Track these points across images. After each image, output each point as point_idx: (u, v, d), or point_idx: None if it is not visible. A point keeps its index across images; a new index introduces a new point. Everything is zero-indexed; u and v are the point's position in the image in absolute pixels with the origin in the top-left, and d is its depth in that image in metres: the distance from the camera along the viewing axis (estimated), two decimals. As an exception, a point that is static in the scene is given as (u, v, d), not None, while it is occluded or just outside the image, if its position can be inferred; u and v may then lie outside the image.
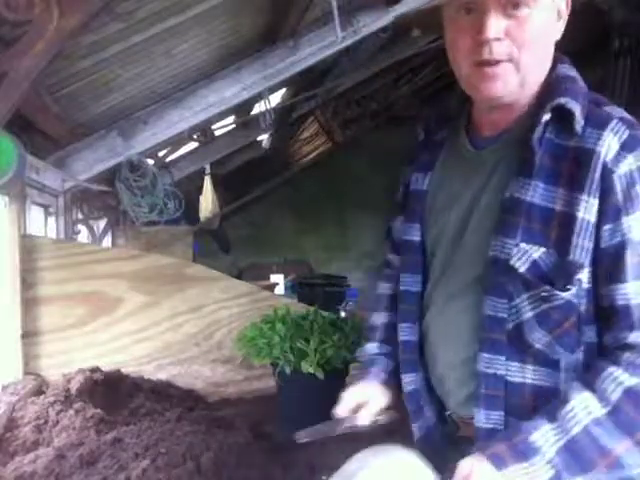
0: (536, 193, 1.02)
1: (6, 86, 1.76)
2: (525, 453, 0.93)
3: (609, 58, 5.21)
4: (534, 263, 1.00)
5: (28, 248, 2.01)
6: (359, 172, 7.68)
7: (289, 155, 7.44)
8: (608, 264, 0.98)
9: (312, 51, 3.20)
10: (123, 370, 1.99)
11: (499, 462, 0.93)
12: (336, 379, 1.75)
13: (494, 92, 1.05)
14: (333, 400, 1.66)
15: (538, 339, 1.01)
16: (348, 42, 3.23)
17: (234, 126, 4.88)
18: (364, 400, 1.19)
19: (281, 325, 1.74)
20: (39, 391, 1.81)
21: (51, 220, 2.87)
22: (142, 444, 1.37)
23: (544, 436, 0.94)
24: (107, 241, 4.03)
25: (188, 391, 2.02)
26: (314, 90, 4.77)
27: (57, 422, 1.56)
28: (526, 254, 1.01)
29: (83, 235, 3.48)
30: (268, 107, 3.94)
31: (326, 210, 7.93)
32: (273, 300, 2.20)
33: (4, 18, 1.63)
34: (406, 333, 1.22)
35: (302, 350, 1.68)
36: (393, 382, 1.23)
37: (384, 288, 1.36)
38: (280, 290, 6.33)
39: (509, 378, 1.02)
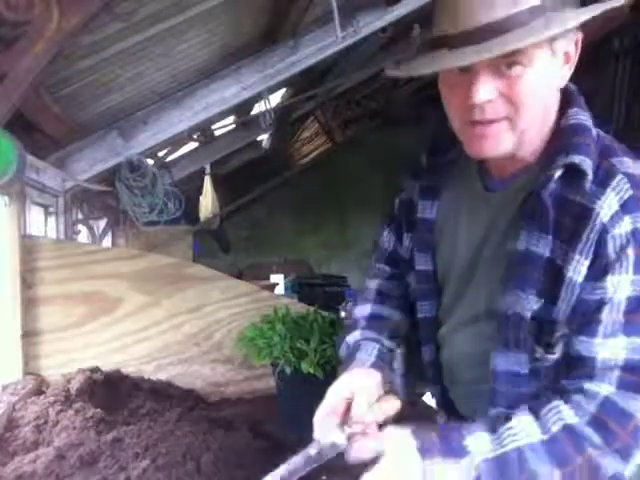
0: (544, 247, 1.00)
1: (6, 86, 1.77)
2: (455, 452, 0.93)
3: (609, 58, 5.20)
4: (537, 315, 1.00)
5: (28, 248, 2.01)
6: (359, 172, 7.68)
7: (289, 155, 7.44)
8: (583, 316, 0.98)
9: (312, 51, 3.20)
10: (123, 370, 1.99)
11: (426, 452, 0.95)
12: (336, 379, 1.75)
13: (485, 152, 1.03)
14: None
15: (530, 392, 1.03)
16: (348, 42, 3.23)
17: (234, 126, 4.88)
18: (349, 396, 1.13)
19: (281, 325, 1.74)
20: (39, 391, 1.81)
21: (51, 220, 2.87)
22: (142, 444, 1.37)
23: (478, 443, 0.94)
24: (107, 241, 4.03)
25: (188, 391, 2.02)
26: (314, 90, 4.77)
27: (57, 422, 1.56)
28: (533, 306, 1.01)
29: (83, 235, 3.48)
30: (268, 107, 3.94)
31: (326, 210, 7.93)
32: (273, 300, 2.20)
33: (4, 18, 1.64)
34: (422, 353, 1.25)
35: (302, 350, 1.68)
36: (382, 363, 1.19)
37: (372, 283, 1.34)
38: (280, 290, 6.33)
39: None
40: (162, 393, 1.91)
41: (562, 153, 1.00)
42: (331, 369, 1.68)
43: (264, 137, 5.93)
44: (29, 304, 2.01)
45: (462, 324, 1.16)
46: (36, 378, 1.94)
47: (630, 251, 0.94)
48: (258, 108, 4.20)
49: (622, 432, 0.93)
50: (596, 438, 0.93)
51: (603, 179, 0.98)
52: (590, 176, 0.98)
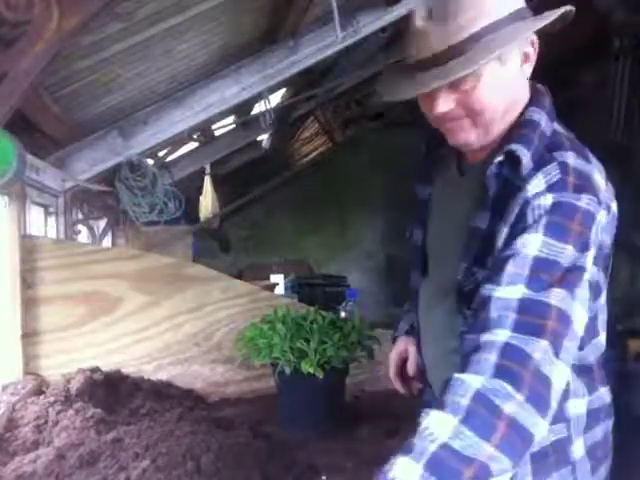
0: (486, 223, 1.14)
1: (6, 86, 1.76)
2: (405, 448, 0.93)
3: (609, 58, 5.21)
4: (479, 285, 1.09)
5: (28, 248, 2.01)
6: (359, 172, 7.68)
7: (289, 155, 7.44)
8: (493, 269, 1.06)
9: (312, 51, 3.20)
10: (123, 370, 1.99)
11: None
12: (336, 379, 1.75)
13: (456, 142, 1.18)
14: (333, 400, 1.67)
15: None
16: (348, 42, 3.23)
17: (234, 126, 4.88)
18: (406, 355, 1.40)
19: (281, 325, 1.74)
20: (39, 391, 1.81)
21: (51, 220, 2.87)
22: (142, 444, 1.37)
23: (404, 468, 0.91)
24: (107, 241, 4.03)
25: (188, 391, 2.02)
26: (314, 90, 4.77)
27: (57, 422, 1.56)
28: (474, 276, 1.13)
29: (83, 235, 3.48)
30: (268, 107, 3.94)
31: (326, 210, 7.92)
32: (273, 300, 2.20)
33: (4, 18, 1.64)
34: (412, 319, 1.42)
35: (302, 350, 1.67)
36: (412, 330, 1.41)
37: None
38: (280, 290, 6.33)
39: None
40: (162, 393, 1.91)
41: (507, 142, 1.14)
42: (331, 369, 1.69)
43: (264, 137, 5.93)
44: (29, 304, 2.01)
45: (431, 298, 1.31)
46: (36, 378, 1.94)
47: (545, 218, 1.04)
48: (258, 108, 4.20)
49: (526, 374, 0.94)
50: (505, 387, 0.93)
51: (539, 166, 1.09)
52: (525, 162, 1.10)
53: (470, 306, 1.12)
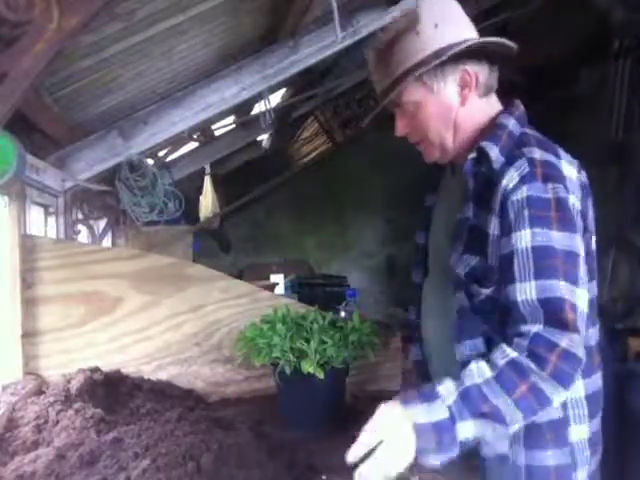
0: (470, 214, 1.35)
1: (6, 86, 1.76)
2: (429, 397, 1.20)
3: (609, 58, 5.20)
4: (472, 268, 1.33)
5: (28, 248, 2.01)
6: (359, 172, 7.67)
7: (289, 155, 7.44)
8: (504, 269, 1.28)
9: (312, 51, 3.20)
10: (123, 370, 1.99)
11: (406, 402, 1.20)
12: (336, 379, 1.75)
13: (428, 160, 1.49)
14: (333, 400, 1.67)
15: (480, 328, 1.33)
16: (348, 42, 3.23)
17: (234, 126, 4.88)
18: None
19: (281, 325, 1.74)
20: (39, 391, 1.81)
21: (51, 220, 2.87)
22: (142, 444, 1.37)
23: (446, 388, 1.20)
24: (107, 241, 4.03)
25: (188, 391, 2.02)
26: (314, 90, 4.77)
27: (57, 422, 1.56)
28: (466, 261, 1.34)
29: (83, 235, 3.48)
30: (268, 107, 3.94)
31: (326, 210, 7.92)
32: (273, 300, 2.20)
33: (4, 18, 1.63)
34: (412, 313, 1.63)
35: (302, 350, 1.67)
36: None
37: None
38: (280, 290, 6.33)
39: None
40: (162, 393, 1.91)
41: (479, 141, 1.37)
42: (331, 369, 1.69)
43: (264, 137, 5.93)
44: (29, 304, 2.01)
45: (433, 291, 1.54)
46: (36, 378, 1.94)
47: (525, 212, 1.25)
48: (258, 108, 4.20)
49: (551, 357, 1.19)
50: (533, 365, 1.19)
51: (510, 161, 1.31)
52: (493, 156, 1.33)
53: (466, 290, 1.34)
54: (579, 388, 1.36)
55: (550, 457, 1.32)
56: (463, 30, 1.42)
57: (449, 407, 1.17)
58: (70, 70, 2.42)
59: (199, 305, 2.14)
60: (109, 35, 2.29)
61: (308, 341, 1.68)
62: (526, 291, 1.23)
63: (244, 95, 3.21)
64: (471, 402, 1.18)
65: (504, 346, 1.23)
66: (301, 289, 6.46)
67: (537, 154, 1.31)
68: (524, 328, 1.23)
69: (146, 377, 2.01)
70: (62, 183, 2.83)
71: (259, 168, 6.63)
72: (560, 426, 1.33)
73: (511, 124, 1.40)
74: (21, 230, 2.04)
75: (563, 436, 1.34)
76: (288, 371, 1.67)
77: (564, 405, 1.33)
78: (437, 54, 1.35)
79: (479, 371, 1.21)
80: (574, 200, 1.29)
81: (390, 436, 1.17)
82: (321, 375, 1.64)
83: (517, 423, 1.20)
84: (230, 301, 2.16)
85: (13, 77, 1.75)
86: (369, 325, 1.77)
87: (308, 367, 1.63)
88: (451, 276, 1.38)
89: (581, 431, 1.36)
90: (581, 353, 1.21)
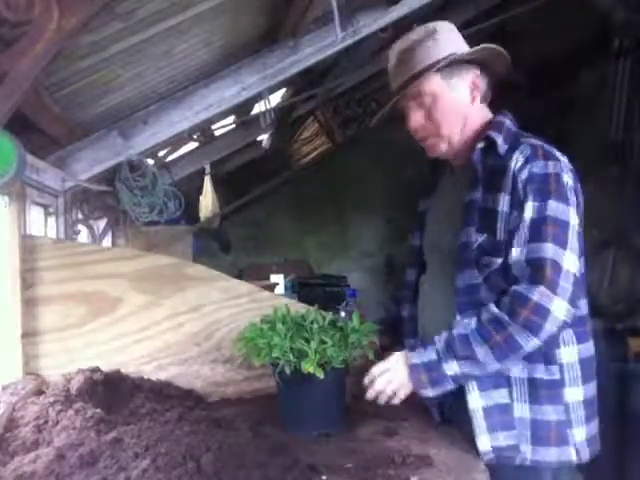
0: (479, 196, 1.57)
1: (6, 86, 1.76)
2: (425, 345, 1.58)
3: (609, 58, 5.20)
4: (480, 244, 1.55)
5: (28, 248, 2.01)
6: (359, 172, 7.67)
7: (289, 155, 7.44)
8: (510, 237, 1.51)
9: (312, 51, 3.20)
10: (123, 370, 1.99)
11: (410, 350, 1.60)
12: (336, 379, 1.75)
13: (433, 155, 1.70)
14: (333, 400, 1.67)
15: (487, 298, 1.54)
16: (348, 42, 3.23)
17: (234, 126, 4.87)
18: None
19: (281, 325, 1.74)
20: (39, 391, 1.80)
21: (51, 220, 2.87)
22: (142, 444, 1.37)
23: (439, 337, 1.55)
24: (107, 241, 4.03)
25: (188, 391, 2.02)
26: (314, 90, 4.77)
27: (57, 422, 1.56)
28: (475, 239, 1.55)
29: (83, 235, 3.48)
30: (268, 107, 3.94)
31: (326, 210, 7.92)
32: (273, 300, 2.20)
33: (4, 18, 1.64)
34: (406, 310, 1.87)
35: (302, 350, 1.67)
36: None
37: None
38: (280, 290, 6.32)
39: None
40: (162, 393, 1.91)
41: (484, 133, 1.61)
42: (331, 369, 1.68)
43: (264, 137, 5.93)
44: (29, 304, 2.01)
45: (435, 277, 1.73)
46: (36, 378, 1.94)
47: (528, 187, 1.50)
48: (258, 108, 4.20)
49: (524, 311, 1.44)
50: (505, 317, 1.46)
51: (513, 148, 1.56)
52: (499, 142, 1.57)
53: (477, 263, 1.55)
54: (573, 352, 1.57)
55: (550, 412, 1.53)
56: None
57: (437, 350, 1.53)
58: (70, 70, 2.42)
59: (199, 305, 2.14)
60: (109, 35, 2.29)
61: (308, 341, 1.68)
62: (518, 254, 1.49)
63: (244, 95, 3.21)
64: (455, 346, 1.51)
65: (490, 305, 1.51)
66: (301, 289, 6.47)
67: (535, 140, 1.58)
68: (510, 287, 1.49)
69: (146, 377, 2.00)
70: (62, 183, 2.83)
71: (259, 168, 6.63)
72: (557, 386, 1.54)
73: (507, 122, 1.65)
74: (21, 230, 2.04)
75: (559, 395, 1.54)
76: (288, 371, 1.67)
77: (560, 368, 1.55)
78: (453, 53, 1.61)
79: (467, 324, 1.52)
80: (567, 178, 1.53)
81: (393, 371, 1.58)
82: (321, 375, 1.64)
83: (493, 364, 1.49)
84: (230, 301, 2.16)
85: (13, 77, 1.75)
86: (369, 326, 1.77)
87: (308, 367, 1.63)
88: (460, 256, 1.58)
89: (576, 393, 1.55)
90: (551, 306, 1.43)
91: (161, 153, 4.50)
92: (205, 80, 3.19)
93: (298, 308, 2.14)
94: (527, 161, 1.52)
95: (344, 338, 1.73)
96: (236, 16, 2.91)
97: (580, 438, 1.56)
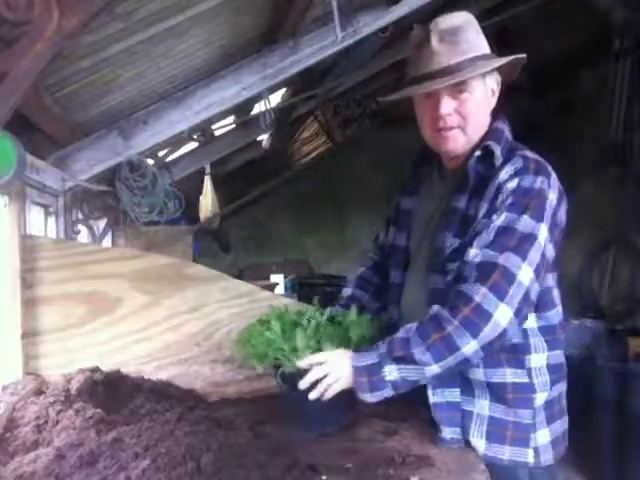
0: (463, 204, 1.58)
1: (6, 86, 1.76)
2: (369, 348, 1.56)
3: (609, 58, 5.20)
4: (454, 250, 1.55)
5: (28, 248, 2.01)
6: (359, 172, 7.68)
7: (289, 155, 7.44)
8: (472, 239, 1.51)
9: (312, 51, 3.20)
10: (123, 370, 1.99)
11: (355, 351, 1.57)
12: None
13: (449, 149, 1.62)
14: (334, 399, 1.66)
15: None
16: (348, 42, 3.23)
17: (234, 126, 4.87)
18: None
19: (276, 323, 1.73)
20: (39, 391, 1.80)
21: (51, 220, 2.87)
22: (142, 444, 1.37)
23: (384, 341, 1.53)
24: (107, 241, 4.03)
25: (188, 391, 2.02)
26: (314, 90, 4.77)
27: (57, 422, 1.56)
28: (451, 245, 1.55)
29: (83, 235, 3.48)
30: (268, 107, 3.94)
31: (326, 210, 7.92)
32: (273, 300, 2.20)
33: (4, 18, 1.64)
34: (391, 314, 1.80)
35: (297, 347, 1.66)
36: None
37: (358, 270, 2.08)
38: (280, 290, 6.33)
39: None
40: (162, 393, 1.91)
41: (483, 142, 1.59)
42: None
43: (264, 137, 5.93)
44: (29, 304, 2.01)
45: (417, 279, 1.69)
46: (36, 378, 1.94)
47: (509, 199, 1.49)
48: (258, 108, 4.20)
49: (465, 309, 1.42)
50: (448, 315, 1.44)
51: (507, 160, 1.55)
52: (497, 154, 1.55)
53: (442, 269, 1.56)
54: (543, 359, 1.58)
55: (511, 414, 1.54)
56: None
57: (379, 354, 1.50)
58: (70, 70, 2.42)
59: (199, 305, 2.14)
60: (109, 35, 2.29)
61: (307, 338, 1.67)
62: (474, 256, 1.48)
63: (244, 95, 3.22)
64: (393, 349, 1.48)
65: (434, 305, 1.50)
66: (301, 289, 6.47)
67: (529, 153, 1.58)
68: (456, 287, 1.49)
69: (146, 377, 2.00)
70: (62, 183, 2.83)
71: (259, 168, 6.63)
72: (526, 391, 1.55)
73: (506, 131, 1.64)
74: (21, 230, 2.04)
75: (530, 400, 1.55)
76: (287, 370, 1.66)
77: (529, 372, 1.55)
78: (493, 55, 1.59)
79: (410, 327, 1.50)
80: (552, 196, 1.51)
81: (334, 371, 1.54)
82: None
83: (431, 366, 1.45)
84: (230, 301, 2.16)
85: (13, 77, 1.75)
86: (366, 319, 1.76)
87: (301, 364, 1.62)
88: (430, 260, 1.61)
89: (543, 397, 1.57)
90: (495, 312, 1.41)
91: (161, 153, 4.51)
92: (205, 80, 3.19)
93: (298, 307, 2.14)
94: (516, 174, 1.51)
95: (345, 332, 1.71)
96: (236, 16, 2.91)
97: (543, 440, 1.57)
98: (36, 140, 2.57)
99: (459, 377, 1.57)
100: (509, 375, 1.55)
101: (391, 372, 1.48)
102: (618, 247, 5.31)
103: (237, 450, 1.35)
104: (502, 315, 1.41)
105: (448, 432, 1.59)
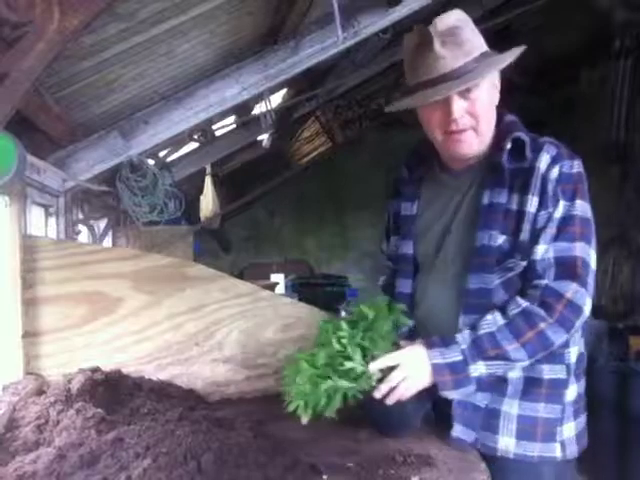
0: (504, 199, 1.53)
1: (7, 86, 1.77)
2: (447, 343, 1.50)
3: (610, 58, 5.20)
4: (501, 246, 1.51)
5: (28, 248, 2.01)
6: (359, 172, 7.69)
7: (289, 155, 7.45)
8: (536, 236, 1.49)
9: (313, 52, 3.20)
10: (124, 370, 1.99)
11: (428, 345, 1.51)
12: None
13: (462, 152, 1.58)
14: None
15: (498, 300, 1.52)
16: (349, 43, 3.23)
17: (235, 126, 4.88)
18: None
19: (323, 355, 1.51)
20: (40, 391, 1.81)
21: (52, 220, 2.87)
22: (143, 444, 1.37)
23: (463, 337, 1.49)
24: (108, 241, 4.04)
25: (189, 391, 2.02)
26: (315, 91, 4.77)
27: (58, 422, 1.56)
28: (498, 240, 1.51)
29: (84, 235, 3.49)
30: (269, 107, 3.94)
31: (326, 210, 7.93)
32: (274, 300, 2.20)
33: (5, 19, 1.64)
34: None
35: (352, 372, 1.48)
36: None
37: (380, 280, 2.01)
38: (280, 290, 6.33)
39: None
40: (163, 393, 1.91)
41: (509, 134, 1.55)
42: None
43: (264, 137, 5.93)
44: (29, 304, 2.01)
45: (440, 282, 1.64)
46: (37, 378, 1.94)
47: (559, 187, 1.49)
48: (259, 108, 4.20)
49: (559, 306, 1.45)
50: (542, 313, 1.45)
51: (537, 149, 1.53)
52: (528, 143, 1.53)
53: (501, 266, 1.51)
54: (575, 351, 1.59)
55: (541, 410, 1.53)
56: None
57: (463, 351, 1.47)
58: (71, 70, 2.42)
59: (199, 305, 2.14)
60: (110, 36, 2.29)
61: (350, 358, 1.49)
62: (545, 251, 1.47)
63: (245, 95, 3.22)
64: (482, 346, 1.46)
65: (517, 298, 1.49)
66: (301, 289, 6.47)
67: (552, 140, 1.57)
68: (537, 282, 1.47)
69: (146, 377, 2.00)
70: (63, 183, 2.83)
71: (259, 168, 6.64)
72: (560, 386, 1.55)
73: (519, 123, 1.61)
74: (21, 230, 2.04)
75: (560, 395, 1.55)
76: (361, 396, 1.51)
77: (567, 368, 1.56)
78: (492, 52, 1.56)
79: (494, 320, 1.48)
80: (584, 174, 1.54)
81: (411, 373, 1.48)
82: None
83: (524, 362, 1.48)
84: (230, 301, 2.16)
85: (14, 77, 1.76)
86: (385, 306, 1.60)
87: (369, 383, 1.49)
88: (476, 259, 1.54)
89: (573, 391, 1.58)
90: (584, 304, 1.45)
91: (162, 153, 4.51)
92: (206, 80, 3.19)
93: (299, 308, 2.15)
94: (554, 161, 1.50)
95: (375, 332, 1.54)
96: (237, 17, 2.91)
97: (568, 434, 1.56)
98: (37, 140, 2.57)
99: (494, 379, 1.53)
100: (546, 371, 1.54)
101: (478, 369, 1.47)
102: (619, 246, 5.31)
103: (238, 450, 1.35)
104: (588, 306, 1.47)
105: (461, 432, 1.56)
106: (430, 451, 1.54)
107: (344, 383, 1.47)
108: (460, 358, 1.47)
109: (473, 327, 1.50)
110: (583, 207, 1.50)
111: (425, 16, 3.85)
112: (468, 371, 1.47)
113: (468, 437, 1.56)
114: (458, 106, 1.50)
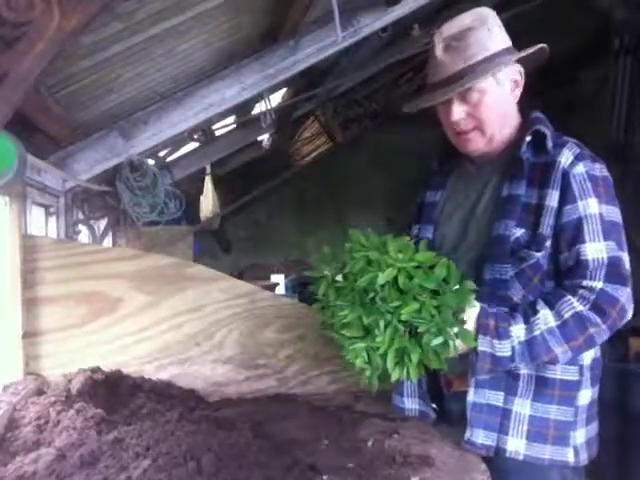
0: (522, 191, 1.53)
1: (7, 86, 1.76)
2: (501, 334, 1.46)
3: (610, 58, 5.20)
4: (517, 238, 1.50)
5: (29, 248, 2.01)
6: (359, 172, 7.68)
7: (290, 155, 7.45)
8: (572, 232, 1.48)
9: (312, 51, 3.20)
10: (124, 370, 1.99)
11: (483, 329, 1.46)
12: None
13: (468, 150, 1.63)
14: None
15: (515, 293, 1.51)
16: (348, 42, 3.23)
17: (234, 126, 4.88)
18: None
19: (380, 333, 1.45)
20: (40, 391, 1.81)
21: (52, 220, 2.87)
22: (143, 444, 1.37)
23: (517, 330, 1.46)
24: (108, 241, 4.04)
25: (189, 391, 2.02)
26: (314, 90, 4.77)
27: (58, 422, 1.56)
28: (515, 231, 1.50)
29: (84, 235, 3.49)
30: (268, 107, 3.94)
31: (327, 210, 7.93)
32: (274, 300, 2.20)
33: (4, 18, 1.63)
34: None
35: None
36: None
37: None
38: (281, 290, 6.33)
39: None
40: (163, 393, 1.91)
41: (530, 127, 1.57)
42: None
43: (264, 137, 5.93)
44: (29, 304, 2.01)
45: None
46: (37, 378, 1.94)
47: (588, 184, 1.48)
48: (259, 108, 4.20)
49: (613, 312, 1.44)
50: (597, 319, 1.44)
51: (560, 145, 1.54)
52: (549, 137, 1.54)
53: (516, 257, 1.49)
54: (591, 353, 1.57)
55: (554, 412, 1.52)
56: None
57: (513, 348, 1.45)
58: (71, 70, 2.42)
59: (199, 305, 2.14)
60: (110, 35, 2.29)
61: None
62: (596, 250, 1.45)
63: (244, 95, 3.22)
64: (534, 349, 1.44)
65: (571, 298, 1.45)
66: (302, 289, 6.47)
67: (576, 141, 1.57)
68: (589, 283, 1.45)
69: (147, 377, 2.00)
70: (63, 183, 2.83)
71: (259, 168, 6.64)
72: (573, 388, 1.53)
73: (545, 120, 1.62)
74: (22, 230, 2.04)
75: (572, 397, 1.53)
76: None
77: (580, 370, 1.54)
78: (509, 50, 1.57)
79: (545, 319, 1.45)
80: (610, 179, 1.53)
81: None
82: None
83: (563, 361, 1.47)
84: (230, 301, 2.16)
85: (14, 77, 1.75)
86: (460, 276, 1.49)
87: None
88: (492, 249, 1.53)
89: (587, 395, 1.56)
90: (631, 309, 1.47)
91: (162, 153, 4.51)
92: (205, 80, 3.19)
93: (299, 308, 2.15)
94: (577, 159, 1.50)
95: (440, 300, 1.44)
96: (236, 16, 2.91)
97: (581, 440, 1.55)
98: (37, 140, 2.57)
99: (505, 375, 1.52)
100: (559, 371, 1.52)
101: (517, 367, 1.50)
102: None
103: (238, 450, 1.35)
104: (632, 310, 1.48)
105: (481, 436, 1.53)
106: (430, 451, 1.53)
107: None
108: (508, 354, 1.45)
109: (527, 318, 1.46)
110: (612, 210, 1.51)
111: (425, 15, 3.86)
112: (509, 366, 1.47)
113: (492, 441, 1.53)
114: (457, 110, 1.55)
